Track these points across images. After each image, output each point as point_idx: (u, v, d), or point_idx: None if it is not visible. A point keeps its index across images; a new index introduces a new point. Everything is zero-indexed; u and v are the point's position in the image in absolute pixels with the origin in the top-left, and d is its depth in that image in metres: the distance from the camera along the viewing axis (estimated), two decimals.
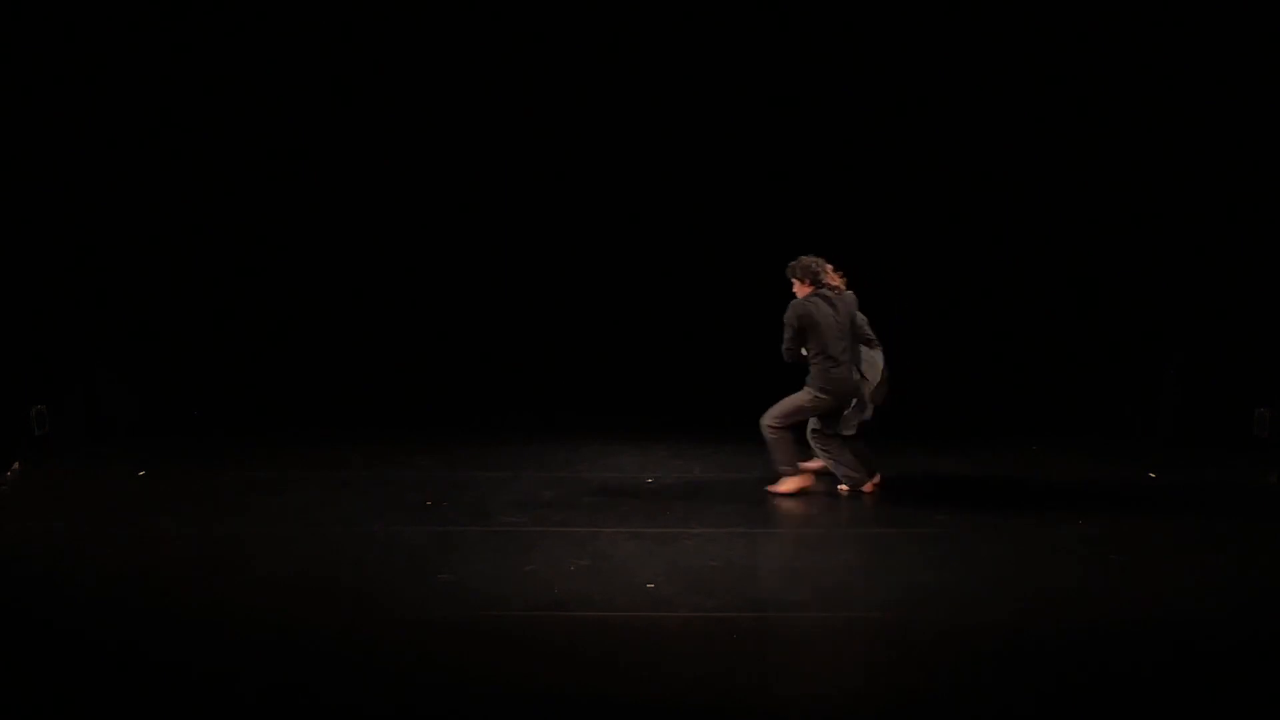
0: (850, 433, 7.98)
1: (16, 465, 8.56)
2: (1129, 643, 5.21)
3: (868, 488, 7.95)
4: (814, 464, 8.07)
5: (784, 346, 7.83)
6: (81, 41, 9.76)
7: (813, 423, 7.95)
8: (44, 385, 9.38)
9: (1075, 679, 4.80)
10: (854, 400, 7.87)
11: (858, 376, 7.87)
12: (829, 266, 7.92)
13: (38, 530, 7.04)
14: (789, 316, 7.80)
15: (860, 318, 7.96)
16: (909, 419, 10.78)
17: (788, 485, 7.91)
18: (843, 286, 7.94)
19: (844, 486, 8.01)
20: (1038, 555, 6.56)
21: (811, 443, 8.01)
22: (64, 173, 9.80)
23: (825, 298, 7.81)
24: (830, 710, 4.57)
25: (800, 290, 7.91)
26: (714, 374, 11.02)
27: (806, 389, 7.81)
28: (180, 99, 10.74)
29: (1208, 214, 10.20)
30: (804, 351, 7.83)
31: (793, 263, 7.95)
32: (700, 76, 11.16)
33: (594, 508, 7.60)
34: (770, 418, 7.84)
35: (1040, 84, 10.82)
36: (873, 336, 8.01)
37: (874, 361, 7.96)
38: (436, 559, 6.39)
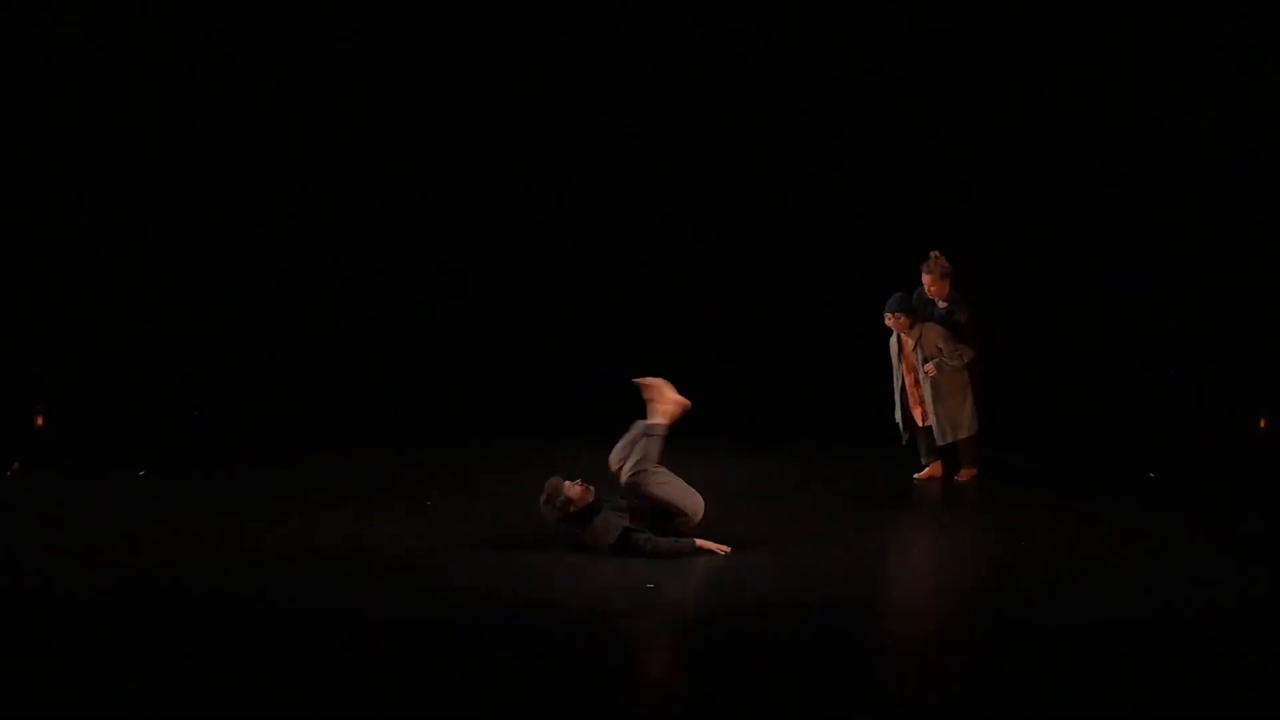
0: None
1: (16, 465, 8.57)
2: (1129, 642, 5.20)
3: None
4: None
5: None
6: (81, 41, 9.78)
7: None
8: (44, 385, 9.39)
9: (1075, 678, 4.80)
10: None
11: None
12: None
13: (38, 530, 7.04)
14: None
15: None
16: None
17: None
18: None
19: None
20: (1037, 555, 6.56)
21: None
22: (65, 173, 9.82)
23: None
24: (830, 709, 4.57)
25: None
26: (713, 374, 11.03)
27: None
28: (182, 99, 10.76)
29: (1208, 214, 10.22)
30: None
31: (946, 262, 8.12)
32: (695, 77, 11.17)
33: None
34: None
35: (1040, 84, 10.83)
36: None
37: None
38: (436, 559, 6.39)
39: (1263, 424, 9.55)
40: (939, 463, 8.35)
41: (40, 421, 9.50)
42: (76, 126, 10.31)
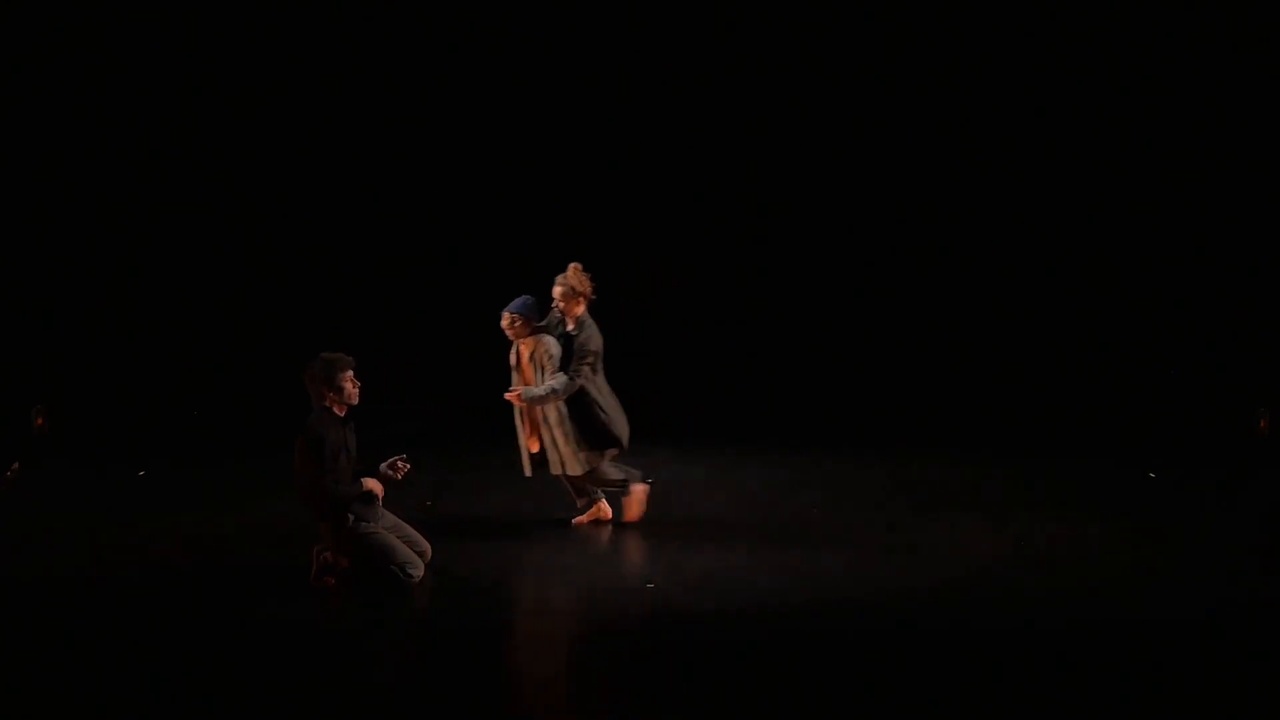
0: None
1: (16, 465, 8.57)
2: (1129, 642, 5.21)
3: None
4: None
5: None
6: (81, 41, 9.79)
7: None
8: (44, 385, 9.40)
9: (1075, 679, 4.80)
10: None
11: None
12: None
13: (38, 530, 7.05)
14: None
15: None
16: (910, 418, 10.82)
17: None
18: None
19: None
20: (1037, 556, 6.56)
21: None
22: (65, 174, 9.83)
23: None
24: (829, 709, 4.58)
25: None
26: (714, 376, 11.04)
27: None
28: (181, 99, 10.77)
29: (1208, 214, 10.23)
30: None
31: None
32: (687, 78, 11.18)
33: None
34: None
35: (1038, 82, 10.84)
36: None
37: None
38: (437, 558, 6.39)
39: (1263, 424, 9.55)
40: (602, 501, 7.20)
41: (40, 421, 9.51)
42: (77, 126, 10.31)
